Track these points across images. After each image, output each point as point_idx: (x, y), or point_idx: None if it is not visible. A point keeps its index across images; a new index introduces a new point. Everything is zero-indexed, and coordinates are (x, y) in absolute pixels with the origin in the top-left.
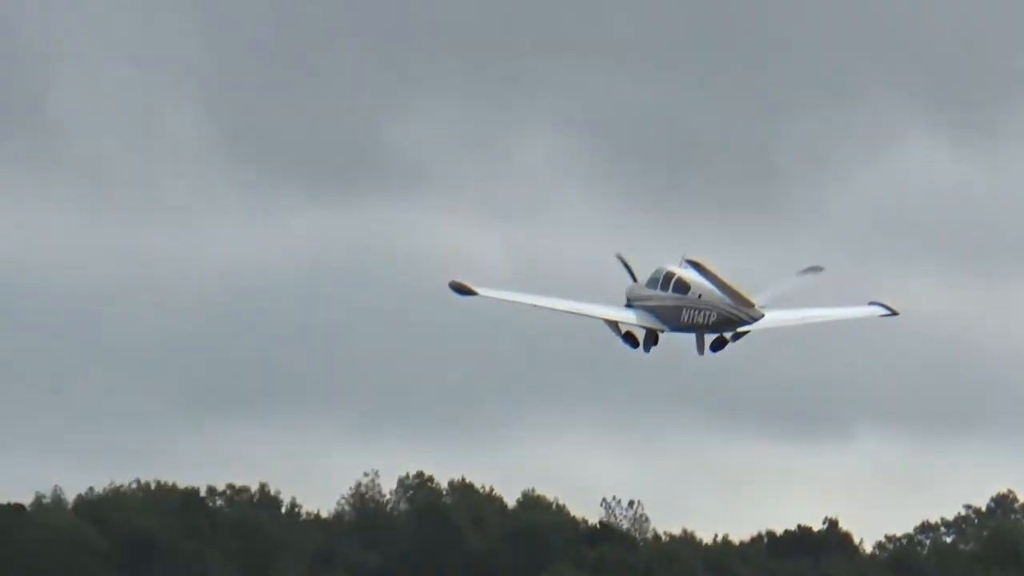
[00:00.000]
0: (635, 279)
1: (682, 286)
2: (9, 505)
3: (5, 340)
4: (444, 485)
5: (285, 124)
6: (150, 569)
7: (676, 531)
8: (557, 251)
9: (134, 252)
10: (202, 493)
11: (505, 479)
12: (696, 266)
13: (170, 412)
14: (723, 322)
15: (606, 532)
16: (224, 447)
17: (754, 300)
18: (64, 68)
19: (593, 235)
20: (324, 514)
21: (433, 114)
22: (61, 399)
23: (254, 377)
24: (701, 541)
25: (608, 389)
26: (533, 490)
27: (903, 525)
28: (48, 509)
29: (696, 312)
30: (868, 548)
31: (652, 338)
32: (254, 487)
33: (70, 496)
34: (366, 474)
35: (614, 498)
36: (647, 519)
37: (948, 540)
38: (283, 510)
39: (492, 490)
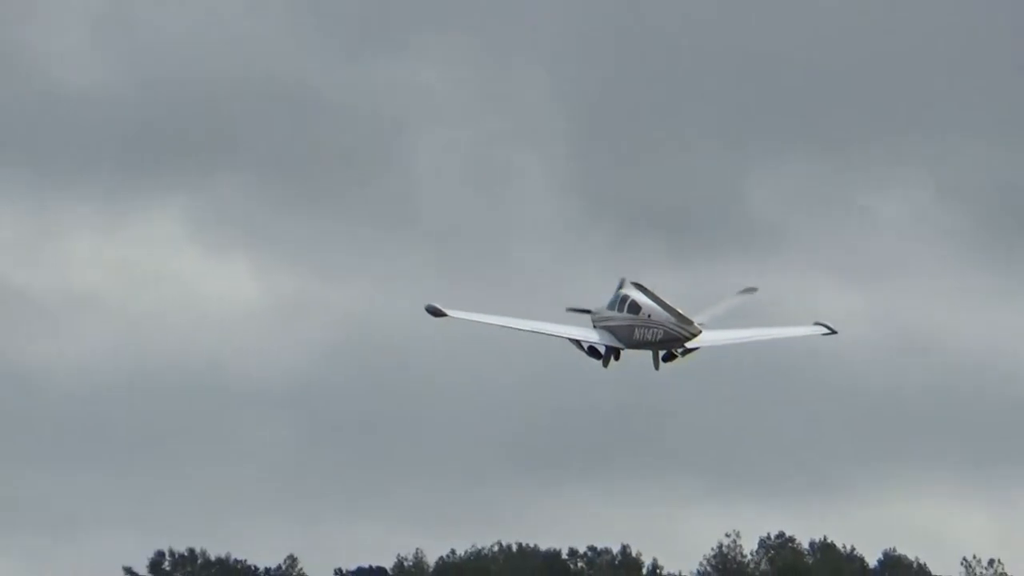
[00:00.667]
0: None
1: (635, 308)
2: (371, 568)
3: (364, 407)
4: (805, 545)
5: (644, 183)
6: None
7: None
8: (918, 308)
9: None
10: (563, 555)
11: (866, 538)
12: (640, 288)
13: (530, 475)
14: (668, 339)
15: None
16: (585, 509)
17: (692, 318)
18: (418, 130)
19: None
20: (685, 574)
21: (793, 176)
22: (422, 464)
23: (614, 439)
24: None
25: (966, 446)
26: (894, 549)
27: None
28: (410, 572)
29: (646, 330)
30: None
31: (614, 354)
32: (615, 548)
33: (431, 559)
34: (727, 535)
35: (974, 557)
36: None
37: None
38: (644, 571)
39: (853, 549)
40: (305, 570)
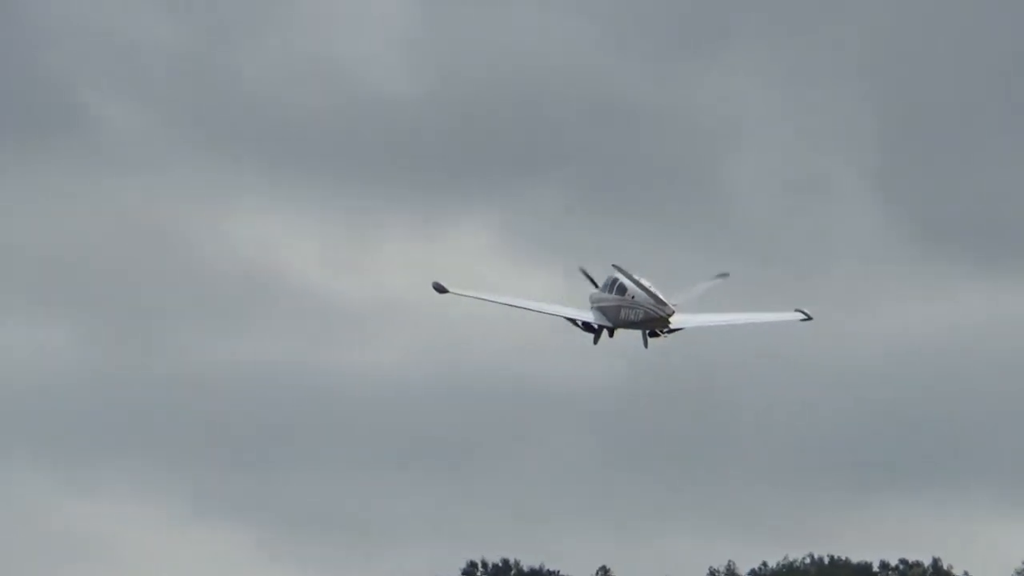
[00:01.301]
0: (596, 286)
1: (622, 289)
2: None
3: (672, 418)
4: None
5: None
6: None
7: None
8: None
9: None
10: (875, 568)
11: None
12: (619, 270)
13: (842, 486)
14: (648, 319)
15: None
16: (896, 521)
17: (666, 300)
18: (735, 138)
19: None
20: None
21: None
22: (734, 475)
23: (924, 450)
24: None
25: None
26: None
27: None
28: None
29: (630, 311)
30: None
31: (608, 332)
32: (927, 561)
33: (743, 571)
34: None
35: None
36: None
37: None
38: None
39: None
40: None
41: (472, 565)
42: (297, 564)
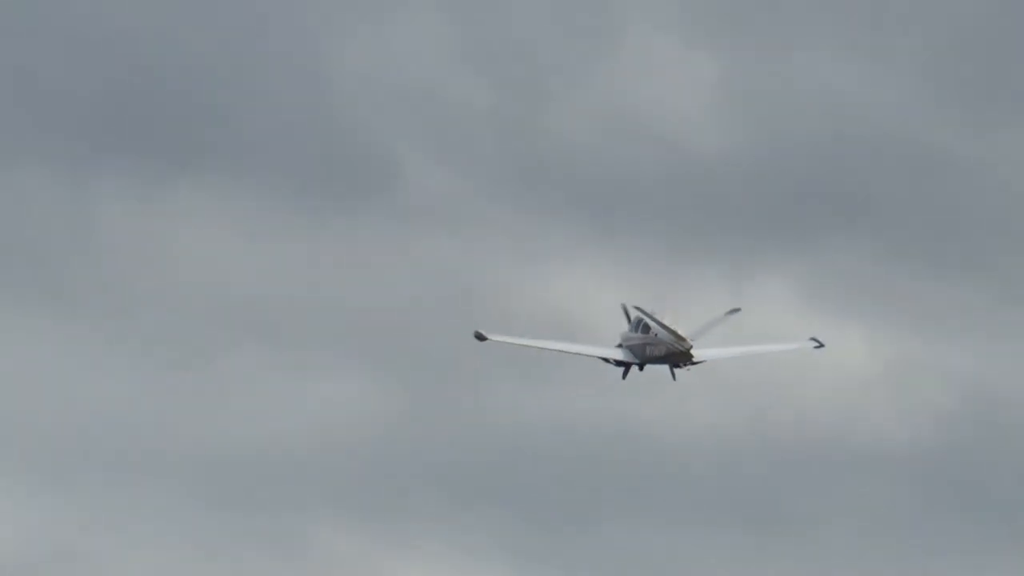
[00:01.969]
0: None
1: (646, 329)
2: None
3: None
4: None
5: None
6: None
7: None
8: None
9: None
10: None
11: None
12: (642, 312)
13: None
14: (669, 354)
15: None
16: None
17: (685, 336)
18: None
19: None
20: None
21: None
22: None
23: None
24: None
25: None
26: None
27: None
28: None
29: (653, 347)
30: None
31: (638, 367)
32: None
33: None
34: None
35: None
36: None
37: None
38: None
39: None
40: None
41: None
42: None
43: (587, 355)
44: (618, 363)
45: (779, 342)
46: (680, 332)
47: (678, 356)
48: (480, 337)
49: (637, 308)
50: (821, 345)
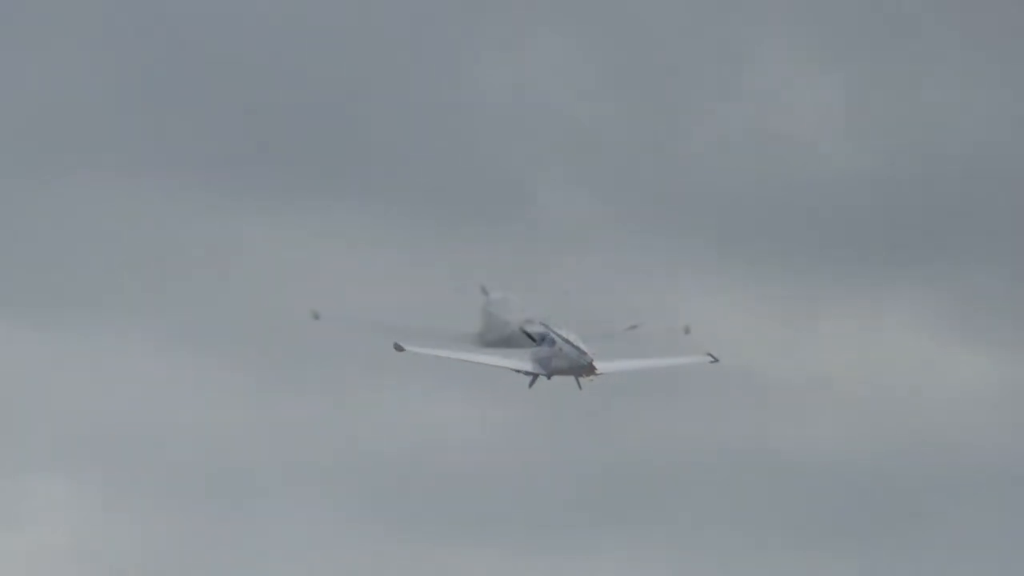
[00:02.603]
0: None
1: (551, 342)
2: None
3: None
4: None
5: None
6: None
7: None
8: None
9: None
10: None
11: None
12: (547, 327)
13: None
14: (572, 367)
15: None
16: None
17: (587, 350)
18: None
19: None
20: None
21: None
22: None
23: None
24: None
25: None
26: None
27: None
28: None
29: (558, 360)
30: None
31: (545, 377)
32: None
33: None
34: None
35: None
36: None
37: None
38: None
39: None
40: None
41: None
42: None
43: (503, 367)
44: (527, 374)
45: (677, 356)
46: (582, 347)
47: (581, 369)
48: (398, 348)
49: (543, 323)
50: (716, 360)
